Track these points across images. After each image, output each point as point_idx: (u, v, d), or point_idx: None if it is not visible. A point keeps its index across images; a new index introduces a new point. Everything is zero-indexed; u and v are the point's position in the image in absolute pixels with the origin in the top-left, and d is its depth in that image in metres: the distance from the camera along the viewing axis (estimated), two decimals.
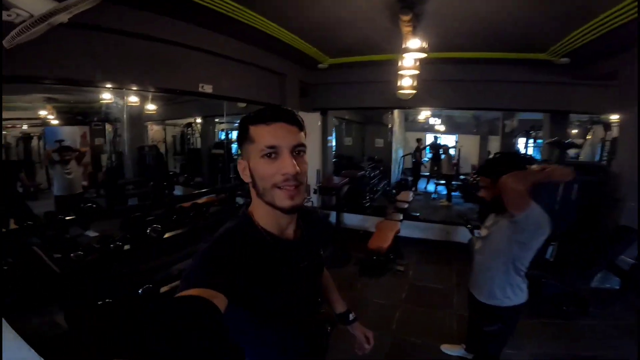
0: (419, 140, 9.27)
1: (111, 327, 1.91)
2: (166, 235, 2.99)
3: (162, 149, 6.92)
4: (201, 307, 0.61)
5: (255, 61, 4.03)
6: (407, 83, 3.60)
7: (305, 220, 1.07)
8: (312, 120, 5.74)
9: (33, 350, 1.25)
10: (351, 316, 1.32)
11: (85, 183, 5.30)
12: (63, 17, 1.58)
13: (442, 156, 8.52)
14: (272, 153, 0.84)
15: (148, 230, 2.71)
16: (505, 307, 1.88)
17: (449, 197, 8.04)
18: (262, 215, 0.92)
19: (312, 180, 5.56)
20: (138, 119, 6.15)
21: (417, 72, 3.34)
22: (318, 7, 2.94)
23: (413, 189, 8.66)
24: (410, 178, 9.47)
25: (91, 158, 5.81)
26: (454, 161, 8.83)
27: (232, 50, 3.60)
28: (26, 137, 4.88)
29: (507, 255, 1.84)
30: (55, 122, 4.96)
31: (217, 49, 3.42)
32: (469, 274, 2.16)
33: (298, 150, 0.88)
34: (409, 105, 5.28)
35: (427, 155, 9.69)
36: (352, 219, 5.86)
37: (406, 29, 2.82)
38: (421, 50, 2.87)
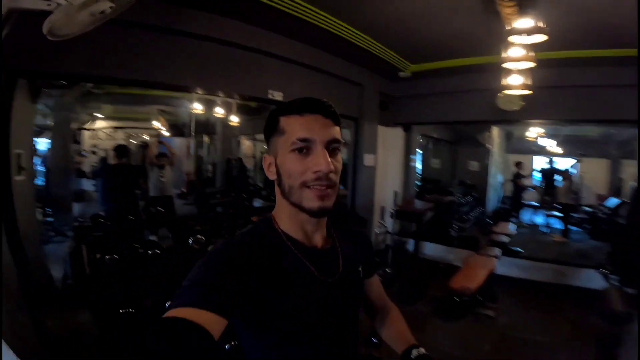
0: (518, 164, 7.88)
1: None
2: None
3: (252, 164, 7.29)
4: (189, 335, 0.55)
5: (328, 68, 3.75)
6: (515, 82, 2.84)
7: (340, 230, 0.94)
8: (392, 137, 5.23)
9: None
10: (415, 353, 0.91)
11: (184, 189, 5.83)
12: (104, 5, 1.50)
13: (560, 183, 7.06)
14: (304, 147, 0.76)
15: (190, 241, 2.58)
16: None
17: (565, 232, 6.54)
18: (286, 218, 0.83)
19: (388, 202, 5.00)
20: (229, 132, 6.57)
21: (531, 64, 2.54)
22: (396, 2, 2.53)
23: (514, 219, 7.30)
24: (509, 207, 8.08)
25: (194, 167, 6.45)
26: (575, 189, 7.20)
27: (302, 55, 3.40)
28: (144, 145, 5.57)
29: None
30: (167, 133, 5.59)
31: (287, 53, 3.24)
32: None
33: (333, 147, 0.78)
34: (515, 117, 4.34)
35: (536, 181, 8.20)
36: (433, 250, 5.06)
37: (508, 10, 2.20)
38: (537, 31, 2.15)
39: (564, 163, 8.13)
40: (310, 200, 0.76)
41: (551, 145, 8.31)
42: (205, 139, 7.08)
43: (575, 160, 7.39)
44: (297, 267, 0.79)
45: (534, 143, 8.35)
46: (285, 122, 0.78)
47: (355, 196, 4.60)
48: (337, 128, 0.80)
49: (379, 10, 2.71)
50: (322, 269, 0.82)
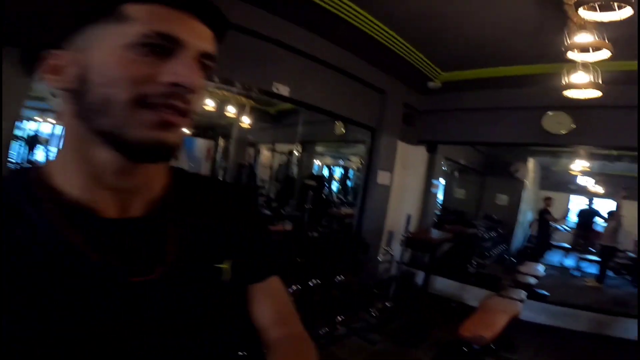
0: (547, 200, 7.19)
1: None
2: None
3: (268, 174, 7.09)
4: None
5: (347, 68, 3.41)
6: (581, 80, 2.39)
7: (194, 197, 0.56)
8: (414, 156, 4.78)
9: None
10: None
11: None
12: None
13: (599, 226, 6.43)
14: (161, 46, 0.42)
15: None
16: None
17: (601, 276, 5.84)
18: (71, 165, 0.45)
19: (399, 227, 4.50)
20: (244, 136, 6.42)
21: (605, 54, 2.09)
22: None
23: (541, 259, 6.63)
24: (535, 246, 7.41)
25: (210, 170, 6.34)
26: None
27: (316, 49, 3.07)
28: None
29: None
30: (189, 132, 5.51)
31: (298, 44, 2.92)
32: None
33: (205, 63, 0.46)
34: (561, 141, 3.78)
35: (569, 222, 7.52)
36: (446, 285, 4.49)
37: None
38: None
39: (603, 205, 7.41)
40: (144, 127, 0.42)
41: (592, 184, 7.61)
42: (221, 142, 6.97)
43: (617, 203, 6.67)
44: (65, 254, 0.42)
45: (573, 180, 7.67)
46: (134, 7, 0.43)
47: (362, 217, 4.17)
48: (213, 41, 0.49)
49: (409, 5, 2.37)
50: (126, 258, 0.45)
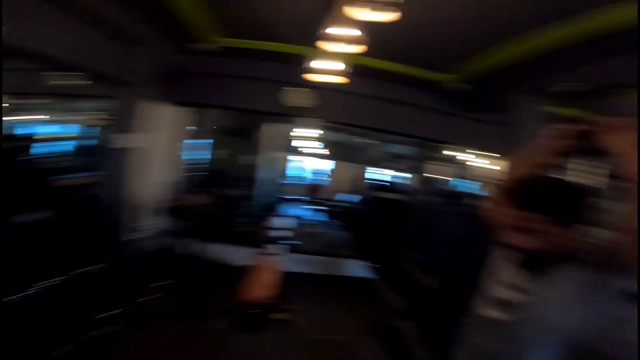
0: (286, 161, 8.68)
1: None
2: None
3: None
4: None
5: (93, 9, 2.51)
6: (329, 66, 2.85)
7: None
8: (171, 116, 4.31)
9: None
10: None
11: None
12: None
13: (322, 181, 8.17)
14: None
15: None
16: None
17: (327, 223, 7.57)
18: None
19: (153, 196, 4.05)
20: None
21: (358, 49, 2.47)
22: None
23: (284, 213, 7.88)
24: (278, 202, 8.75)
25: None
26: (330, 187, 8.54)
27: None
28: None
29: None
30: None
31: None
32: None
33: None
34: (302, 114, 4.49)
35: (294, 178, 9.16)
36: (218, 250, 4.56)
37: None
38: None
39: (325, 165, 9.58)
40: None
41: (318, 148, 9.53)
42: None
43: (334, 163, 8.74)
44: None
45: (306, 145, 9.32)
46: None
47: (109, 187, 3.52)
48: None
49: None
50: None
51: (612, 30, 2.09)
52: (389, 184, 7.96)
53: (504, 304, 1.18)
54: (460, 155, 7.66)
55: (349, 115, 4.48)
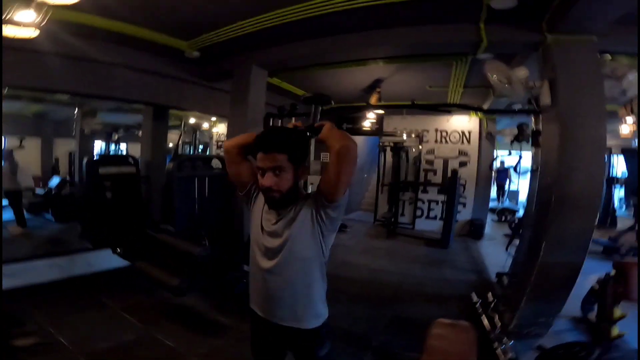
0: None
1: None
2: None
3: None
4: None
5: None
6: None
7: None
8: None
9: None
10: None
11: None
12: None
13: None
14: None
15: None
16: (326, 318, 1.50)
17: (21, 219, 5.61)
18: None
19: None
20: None
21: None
22: None
23: None
24: None
25: None
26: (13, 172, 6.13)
27: None
28: None
29: (321, 253, 1.44)
30: None
31: None
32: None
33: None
34: None
35: None
36: None
37: None
38: None
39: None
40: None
41: None
42: None
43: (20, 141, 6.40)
44: None
45: None
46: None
47: None
48: None
49: None
50: None
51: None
52: (119, 157, 6.87)
53: (267, 250, 1.42)
54: (192, 120, 7.74)
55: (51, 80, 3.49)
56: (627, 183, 7.59)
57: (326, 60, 3.99)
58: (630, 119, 3.87)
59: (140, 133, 6.66)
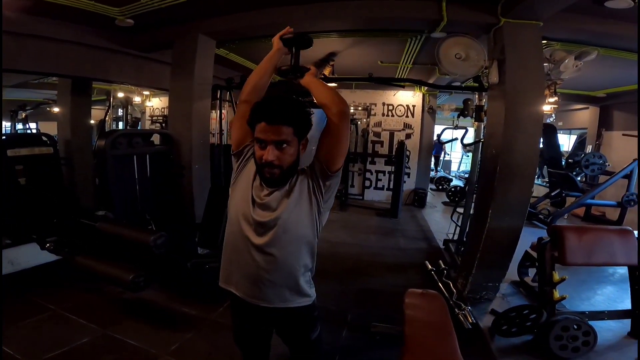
0: None
1: None
2: None
3: None
4: None
5: None
6: None
7: None
8: None
9: None
10: None
11: None
12: None
13: None
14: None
15: None
16: (314, 298, 1.43)
17: None
18: None
19: None
20: None
21: None
22: None
23: None
24: None
25: None
26: None
27: None
28: None
29: (315, 231, 1.37)
30: None
31: None
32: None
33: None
34: None
35: None
36: None
37: None
38: None
39: None
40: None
41: None
42: None
43: None
44: None
45: None
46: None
47: None
48: None
49: None
50: None
51: None
52: (31, 136, 5.91)
53: (258, 225, 1.29)
54: (121, 94, 6.90)
55: None
56: (541, 154, 8.66)
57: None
58: (552, 99, 4.35)
59: (55, 109, 5.80)
